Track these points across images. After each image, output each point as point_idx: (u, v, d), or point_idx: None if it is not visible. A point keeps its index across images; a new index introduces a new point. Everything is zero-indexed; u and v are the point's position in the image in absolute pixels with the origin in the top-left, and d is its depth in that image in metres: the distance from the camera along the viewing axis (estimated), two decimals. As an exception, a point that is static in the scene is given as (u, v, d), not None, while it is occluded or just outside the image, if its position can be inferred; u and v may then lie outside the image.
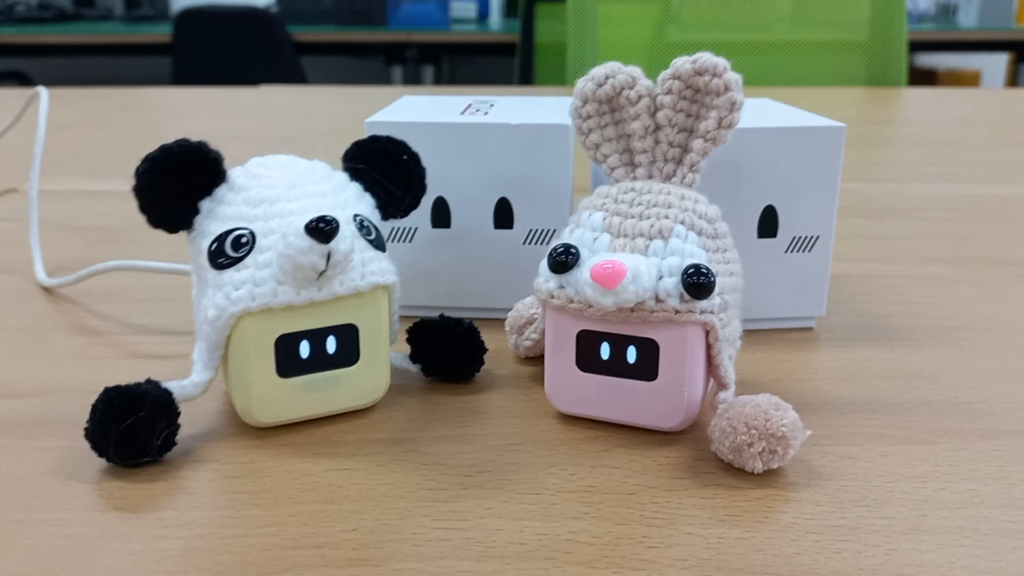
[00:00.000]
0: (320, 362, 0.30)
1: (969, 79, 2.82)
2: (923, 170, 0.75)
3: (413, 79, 2.90)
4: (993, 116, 1.07)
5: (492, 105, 0.41)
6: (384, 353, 0.31)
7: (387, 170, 0.32)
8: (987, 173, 0.74)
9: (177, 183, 0.29)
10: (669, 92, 0.30)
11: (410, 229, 0.39)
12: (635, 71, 0.31)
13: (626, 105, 0.31)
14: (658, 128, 0.31)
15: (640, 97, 0.31)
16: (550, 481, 0.28)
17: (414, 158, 0.33)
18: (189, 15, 2.54)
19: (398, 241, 0.39)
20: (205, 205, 0.29)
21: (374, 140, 0.32)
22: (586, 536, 0.25)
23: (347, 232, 0.28)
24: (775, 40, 1.35)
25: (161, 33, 2.64)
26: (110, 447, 0.27)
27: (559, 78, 2.16)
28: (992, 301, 0.43)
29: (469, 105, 0.41)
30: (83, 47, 2.70)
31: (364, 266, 0.29)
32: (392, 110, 0.40)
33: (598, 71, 0.31)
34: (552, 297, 0.29)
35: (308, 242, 0.27)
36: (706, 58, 0.30)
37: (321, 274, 0.28)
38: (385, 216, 0.32)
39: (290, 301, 0.28)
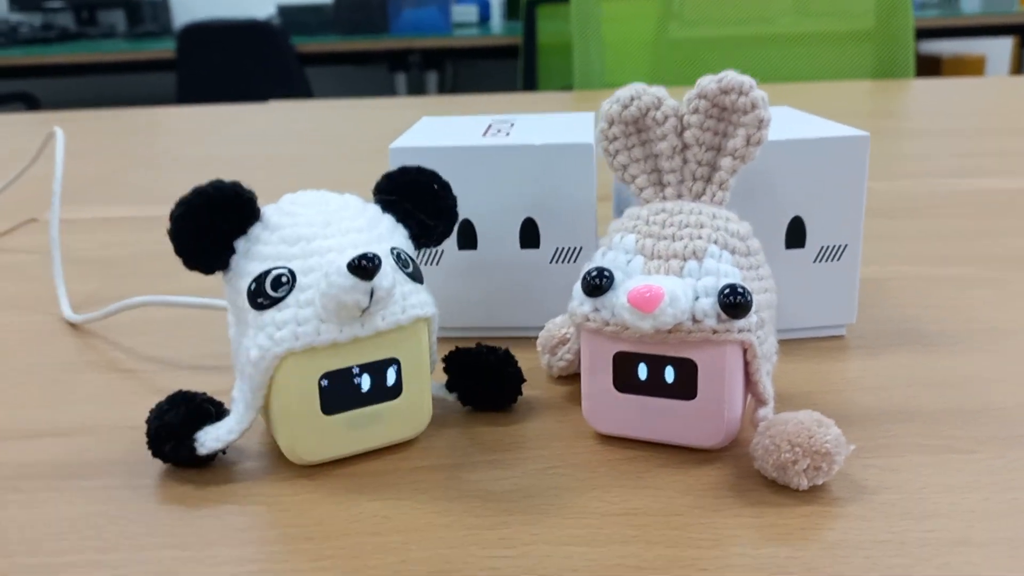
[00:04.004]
0: (363, 398, 0.30)
1: (974, 65, 2.81)
2: (933, 165, 0.75)
3: (417, 85, 2.91)
4: (1002, 105, 1.07)
5: (512, 125, 0.42)
6: (426, 385, 0.31)
7: (418, 200, 0.32)
8: (998, 165, 0.73)
9: (212, 224, 0.29)
10: (695, 111, 0.31)
11: (437, 252, 0.39)
12: (660, 91, 0.31)
13: (652, 126, 0.31)
14: (686, 148, 0.31)
15: (666, 117, 0.31)
16: (594, 504, 0.28)
17: (445, 187, 0.33)
18: (192, 30, 2.56)
19: (426, 264, 0.39)
20: (241, 245, 0.29)
21: (404, 172, 0.33)
22: (636, 560, 0.25)
23: (388, 268, 0.28)
24: (779, 33, 1.34)
25: (164, 49, 2.66)
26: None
27: (562, 80, 2.16)
28: (1013, 302, 0.43)
29: (490, 126, 0.42)
30: (88, 66, 2.72)
31: (404, 299, 0.29)
32: (414, 134, 0.41)
33: (623, 93, 0.31)
34: (587, 320, 0.30)
35: (351, 280, 0.27)
36: (732, 76, 0.30)
37: (364, 311, 0.28)
38: (418, 245, 0.32)
39: (334, 339, 0.28)
